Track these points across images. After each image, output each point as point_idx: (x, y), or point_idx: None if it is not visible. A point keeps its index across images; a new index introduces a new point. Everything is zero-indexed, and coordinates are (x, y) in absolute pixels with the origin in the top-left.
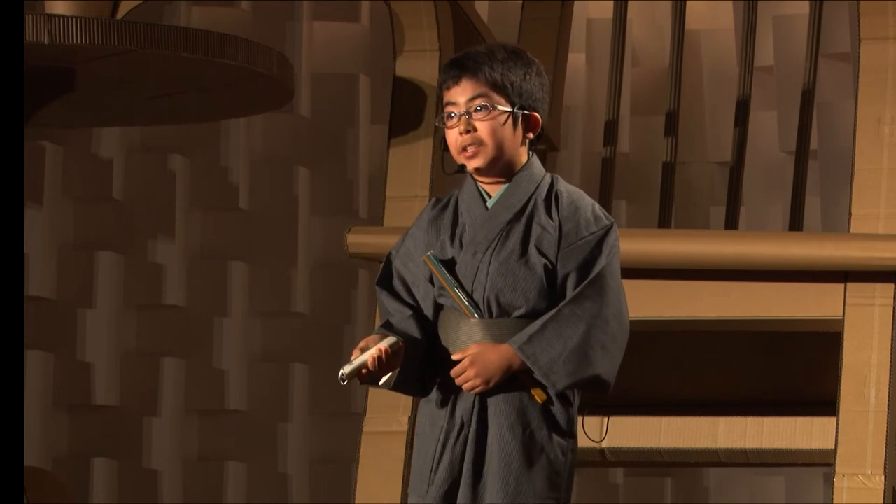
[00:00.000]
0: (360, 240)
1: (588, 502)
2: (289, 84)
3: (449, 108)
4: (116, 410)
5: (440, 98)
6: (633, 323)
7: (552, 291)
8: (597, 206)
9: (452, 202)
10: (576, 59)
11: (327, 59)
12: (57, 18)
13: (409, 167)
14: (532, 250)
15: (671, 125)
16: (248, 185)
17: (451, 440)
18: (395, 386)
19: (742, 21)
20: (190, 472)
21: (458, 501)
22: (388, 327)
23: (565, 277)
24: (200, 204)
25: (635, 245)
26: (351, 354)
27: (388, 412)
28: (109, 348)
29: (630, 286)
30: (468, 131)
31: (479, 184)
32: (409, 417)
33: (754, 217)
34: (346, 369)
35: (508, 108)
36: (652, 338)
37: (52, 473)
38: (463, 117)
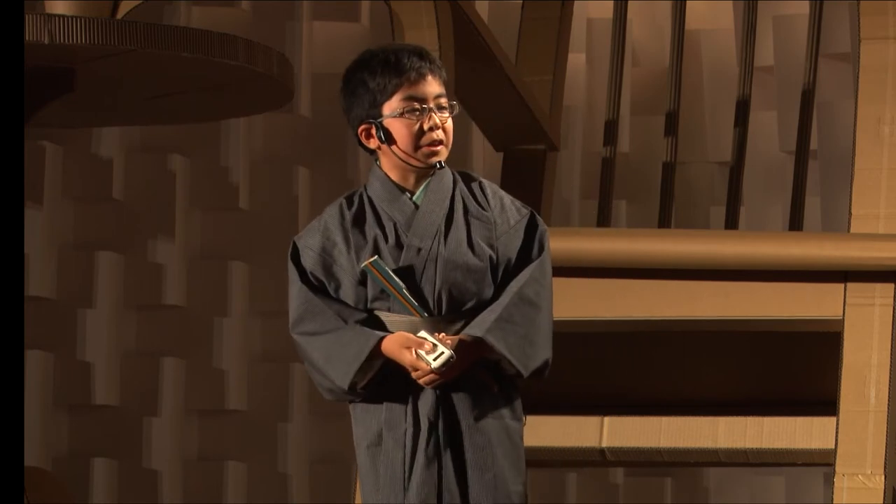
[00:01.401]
0: None
1: (588, 502)
2: (289, 84)
3: (413, 103)
4: (116, 410)
5: (380, 89)
6: (633, 323)
7: (494, 281)
8: (511, 196)
9: (366, 201)
10: (576, 59)
11: (327, 59)
12: (57, 18)
13: None
14: (476, 241)
15: (671, 125)
16: (248, 185)
17: (422, 441)
18: (372, 394)
19: (742, 21)
20: (190, 472)
21: (444, 501)
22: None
23: (506, 265)
24: (200, 204)
25: (635, 245)
26: (423, 349)
27: None
28: (109, 348)
29: (630, 286)
30: (439, 127)
31: (396, 180)
32: None
33: (754, 217)
34: (438, 362)
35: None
36: (652, 338)
37: (52, 473)
38: (431, 113)
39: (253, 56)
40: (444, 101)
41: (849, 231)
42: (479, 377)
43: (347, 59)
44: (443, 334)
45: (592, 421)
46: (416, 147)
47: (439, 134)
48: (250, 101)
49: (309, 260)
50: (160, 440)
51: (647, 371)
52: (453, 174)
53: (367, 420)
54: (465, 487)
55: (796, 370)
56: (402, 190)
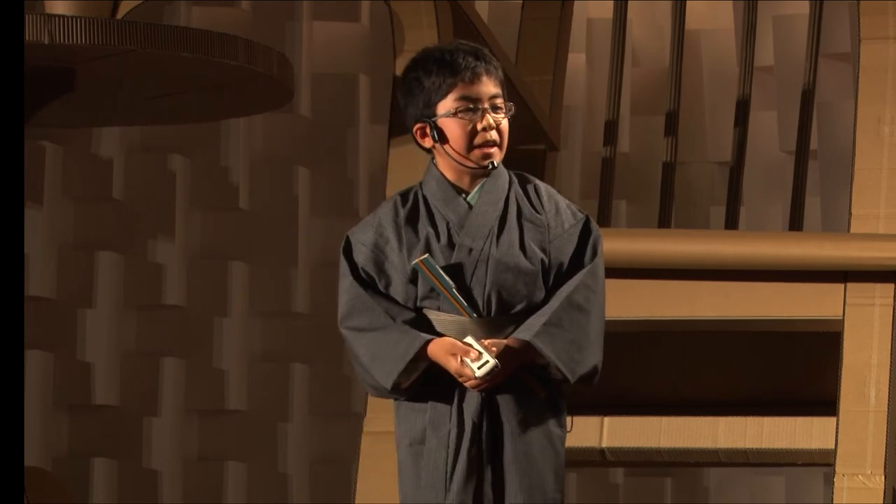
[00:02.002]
0: None
1: (588, 502)
2: (289, 84)
3: (467, 103)
4: (116, 410)
5: (435, 88)
6: (633, 323)
7: (546, 285)
8: (567, 200)
9: (420, 199)
10: (576, 59)
11: (327, 59)
12: (57, 18)
13: (409, 167)
14: (528, 244)
15: (671, 125)
16: (248, 185)
17: (466, 443)
18: (417, 393)
19: (742, 21)
20: (190, 472)
21: (485, 502)
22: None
23: (557, 269)
24: (200, 204)
25: (635, 245)
26: (468, 357)
27: (388, 412)
28: (109, 348)
29: (630, 286)
30: (493, 128)
31: (452, 180)
32: None
33: (754, 217)
34: (482, 371)
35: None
36: (652, 338)
37: (52, 473)
38: (486, 112)
39: (253, 56)
40: (499, 101)
41: (849, 231)
42: (525, 382)
43: (347, 59)
44: (489, 340)
45: (592, 421)
46: (470, 147)
47: (493, 135)
48: (250, 101)
49: (361, 255)
50: (160, 440)
51: (647, 371)
52: (510, 175)
53: (411, 418)
54: (503, 491)
55: (796, 370)
56: (457, 190)
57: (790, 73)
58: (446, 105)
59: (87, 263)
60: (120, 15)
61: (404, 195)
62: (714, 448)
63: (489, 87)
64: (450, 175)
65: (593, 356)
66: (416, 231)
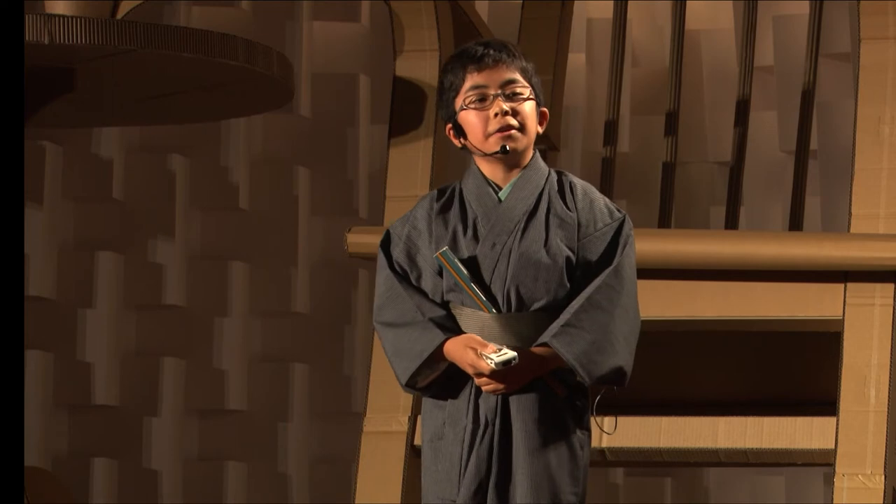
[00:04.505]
0: (360, 240)
1: (588, 502)
2: (289, 84)
3: (477, 92)
4: (116, 410)
5: (452, 86)
6: None
7: (571, 283)
8: (607, 199)
9: (457, 193)
10: (576, 59)
11: (327, 59)
12: (57, 18)
13: (409, 167)
14: (553, 241)
15: (671, 125)
16: (248, 185)
17: (477, 440)
18: (437, 390)
19: (742, 21)
20: (190, 472)
21: (489, 501)
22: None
23: (584, 268)
24: (200, 204)
25: (635, 245)
26: (486, 350)
27: (388, 412)
28: (109, 348)
29: None
30: (509, 113)
31: (486, 175)
32: (409, 417)
33: (754, 217)
34: (500, 359)
35: (535, 97)
36: (652, 338)
37: (52, 473)
38: (499, 99)
39: (253, 56)
40: (517, 87)
41: (849, 231)
42: (546, 381)
43: (347, 59)
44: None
45: (592, 421)
46: (486, 136)
47: (510, 120)
48: (250, 101)
49: (396, 248)
50: (160, 440)
51: (647, 371)
52: (550, 172)
53: (433, 414)
54: (511, 489)
55: (796, 370)
56: (491, 184)
57: (790, 73)
58: (460, 99)
59: (87, 263)
60: (120, 15)
61: (443, 189)
62: (714, 448)
63: (502, 73)
64: (485, 169)
65: (616, 357)
66: (445, 224)
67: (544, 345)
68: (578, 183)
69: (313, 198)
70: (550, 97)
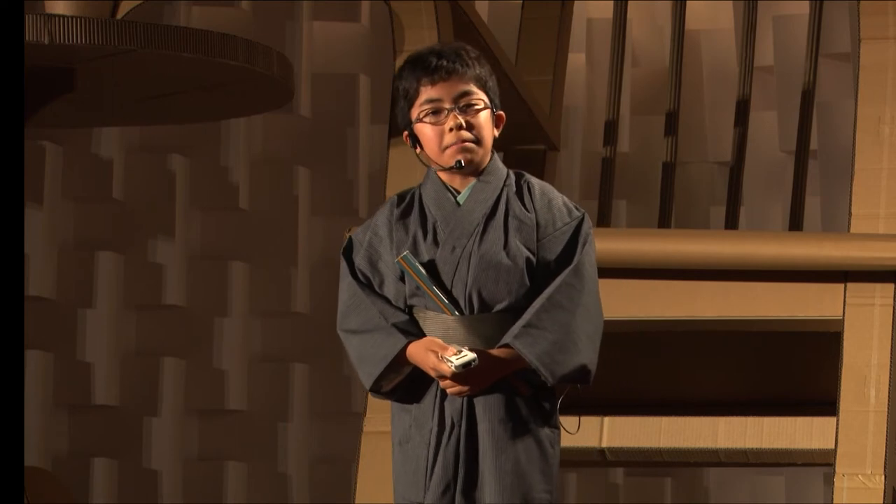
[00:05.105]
0: None
1: (588, 502)
2: (289, 84)
3: (431, 105)
4: (116, 410)
5: (406, 95)
6: (633, 323)
7: (532, 283)
8: (565, 198)
9: (416, 199)
10: (576, 59)
11: (327, 59)
12: (57, 18)
13: (409, 167)
14: (513, 242)
15: (671, 125)
16: (248, 185)
17: (444, 442)
18: (402, 394)
19: (742, 21)
20: (190, 472)
21: (457, 503)
22: (406, 324)
23: (544, 268)
24: (200, 204)
25: (635, 245)
26: (447, 353)
27: (387, 412)
28: (109, 348)
29: (630, 286)
30: (464, 127)
31: (444, 181)
32: None
33: (754, 217)
34: (459, 362)
35: (489, 106)
36: (652, 338)
37: (52, 473)
38: (454, 113)
39: (253, 56)
40: (471, 98)
41: (849, 231)
42: (511, 382)
43: (347, 59)
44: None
45: (592, 421)
46: (442, 149)
47: (463, 134)
48: (250, 101)
49: (358, 255)
50: (160, 440)
51: (647, 371)
52: (508, 174)
53: (401, 417)
54: (479, 490)
55: (796, 370)
56: (449, 189)
57: (790, 73)
58: (415, 110)
59: (87, 263)
60: (120, 15)
61: (402, 195)
62: (714, 448)
63: (456, 86)
64: (442, 176)
65: (579, 356)
66: (406, 229)
67: (506, 346)
68: (536, 183)
69: (313, 198)
70: (550, 97)
